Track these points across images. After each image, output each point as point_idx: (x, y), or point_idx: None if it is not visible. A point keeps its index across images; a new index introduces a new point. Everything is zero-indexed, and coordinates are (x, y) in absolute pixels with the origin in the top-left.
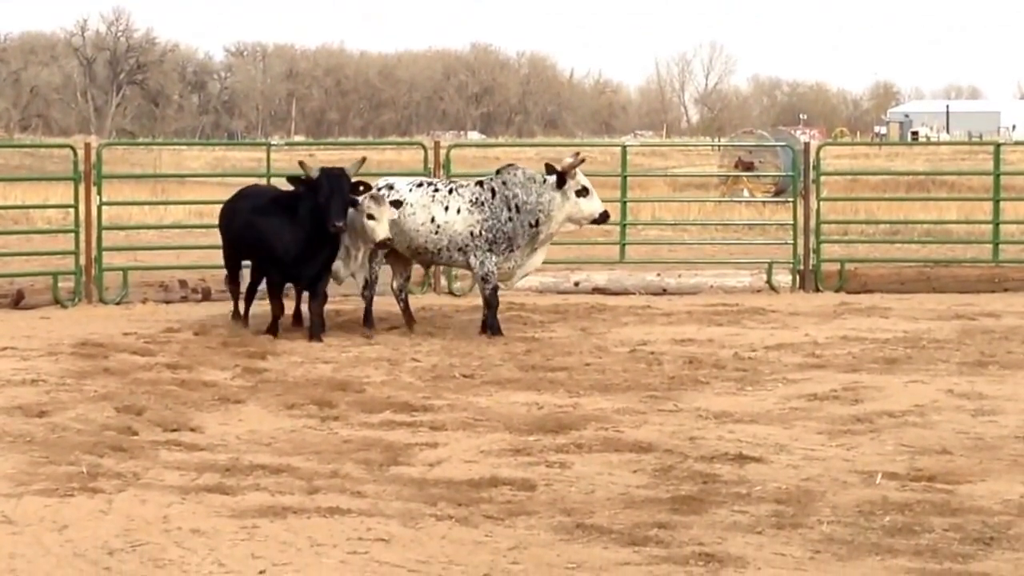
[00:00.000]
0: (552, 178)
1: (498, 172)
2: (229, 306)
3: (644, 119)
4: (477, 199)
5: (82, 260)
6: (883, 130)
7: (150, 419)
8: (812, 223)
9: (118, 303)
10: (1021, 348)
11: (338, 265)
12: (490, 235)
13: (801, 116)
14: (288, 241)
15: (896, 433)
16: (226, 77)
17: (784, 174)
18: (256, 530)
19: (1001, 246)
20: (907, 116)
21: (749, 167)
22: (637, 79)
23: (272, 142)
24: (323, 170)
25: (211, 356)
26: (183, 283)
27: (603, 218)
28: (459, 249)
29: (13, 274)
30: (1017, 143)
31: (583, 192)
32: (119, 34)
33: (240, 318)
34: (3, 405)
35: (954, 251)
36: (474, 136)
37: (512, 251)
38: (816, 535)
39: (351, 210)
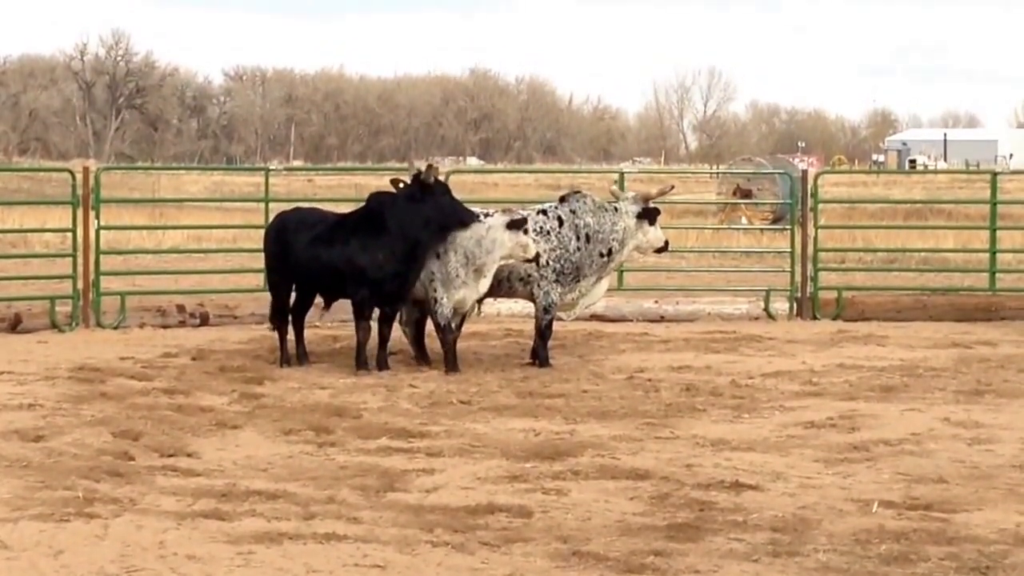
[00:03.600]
0: (623, 205)
1: (563, 199)
2: (228, 332)
3: (643, 146)
4: (542, 228)
5: (80, 284)
6: (881, 158)
7: (147, 444)
8: (809, 251)
9: (115, 328)
10: (1017, 377)
11: (464, 295)
12: (557, 265)
13: (799, 144)
14: (383, 259)
15: (892, 461)
16: (225, 101)
17: (782, 202)
18: (252, 556)
19: (998, 275)
20: (905, 144)
21: (747, 195)
22: (636, 105)
23: (271, 167)
24: (437, 179)
25: (208, 381)
26: (181, 308)
27: (665, 246)
28: (520, 279)
29: (11, 298)
30: (1014, 172)
31: (653, 221)
32: (118, 58)
33: (292, 359)
34: (0, 429)
35: (951, 279)
36: (473, 162)
37: (578, 281)
38: (812, 563)
39: (483, 229)
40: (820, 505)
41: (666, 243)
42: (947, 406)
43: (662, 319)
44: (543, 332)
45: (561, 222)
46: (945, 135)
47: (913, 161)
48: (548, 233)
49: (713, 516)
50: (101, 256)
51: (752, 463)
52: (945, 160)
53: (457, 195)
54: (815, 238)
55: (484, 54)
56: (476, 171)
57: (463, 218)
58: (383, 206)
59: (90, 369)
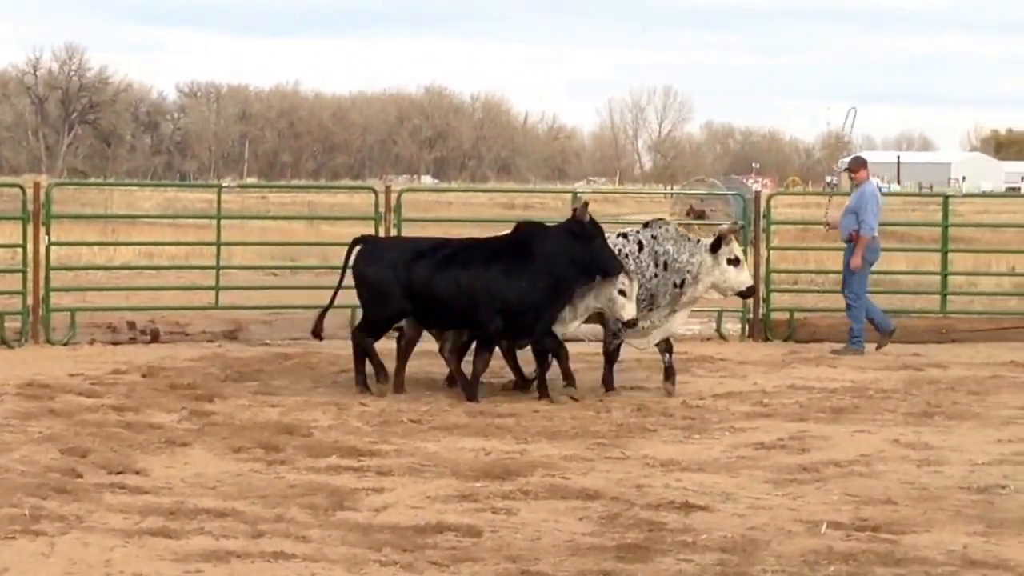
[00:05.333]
0: (704, 240)
1: (646, 225)
2: (179, 349)
3: (597, 165)
4: (621, 251)
5: (29, 300)
6: (835, 180)
7: (95, 461)
8: (762, 272)
9: (65, 344)
10: (967, 399)
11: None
12: None
13: (754, 165)
14: (525, 290)
15: (842, 482)
16: (179, 117)
17: (735, 222)
18: (200, 574)
19: (948, 297)
20: None
21: (700, 215)
22: (591, 125)
23: (223, 184)
24: (592, 219)
25: (158, 398)
26: (131, 324)
27: (749, 292)
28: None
29: None
30: (966, 195)
31: (734, 262)
32: (72, 73)
33: (392, 383)
34: None
35: (903, 301)
36: (427, 180)
37: (651, 309)
38: None
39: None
40: (769, 526)
41: (751, 288)
42: (897, 428)
43: None
44: (610, 356)
45: (641, 247)
46: (899, 158)
47: None
48: (627, 257)
49: (662, 537)
50: (51, 272)
51: (702, 484)
52: (898, 182)
53: (410, 214)
54: (767, 259)
55: (440, 72)
56: (430, 190)
57: (608, 267)
58: (532, 237)
59: (39, 385)
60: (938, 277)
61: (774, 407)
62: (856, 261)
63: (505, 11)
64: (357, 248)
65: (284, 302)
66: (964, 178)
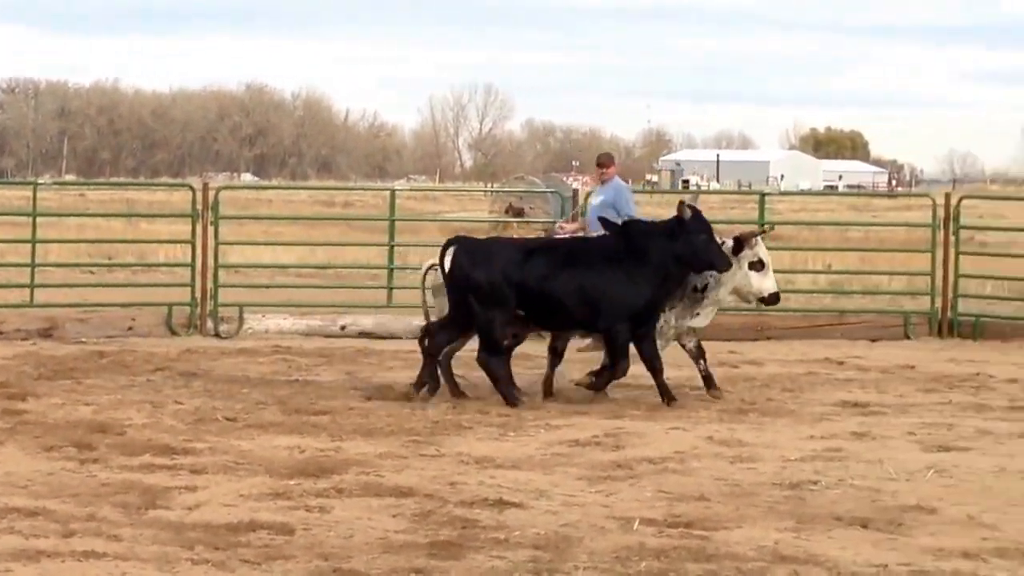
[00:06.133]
0: (729, 242)
1: None
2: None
3: (419, 163)
4: None
5: None
6: (655, 178)
7: None
8: None
9: None
10: (781, 396)
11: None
12: None
13: (574, 162)
14: (644, 290)
15: (655, 479)
16: None
17: (552, 221)
18: (9, 574)
19: None
20: (678, 164)
21: (519, 213)
22: (412, 123)
23: (40, 181)
24: (698, 214)
25: None
26: None
27: (773, 299)
28: None
29: None
30: (783, 193)
31: (757, 266)
32: None
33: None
34: None
35: None
36: (247, 178)
37: (668, 311)
38: None
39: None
40: (582, 523)
41: (775, 295)
42: (711, 425)
43: None
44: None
45: None
46: (718, 156)
47: (686, 181)
48: None
49: (476, 534)
50: None
51: (516, 481)
52: (718, 180)
53: (228, 211)
54: None
55: (261, 70)
56: (249, 187)
57: (717, 262)
58: (643, 236)
59: None
60: None
61: (590, 404)
62: None
63: (326, 9)
64: (452, 250)
65: (100, 300)
66: (783, 176)
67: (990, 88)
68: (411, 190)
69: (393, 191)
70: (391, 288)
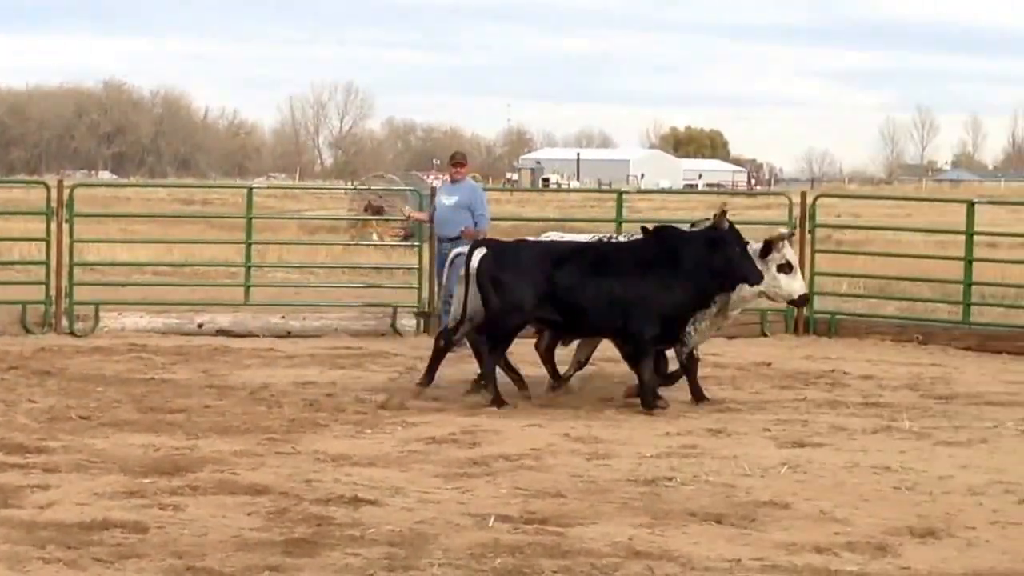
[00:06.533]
0: (757, 246)
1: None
2: None
3: (279, 161)
4: None
5: None
6: (515, 176)
7: None
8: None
9: None
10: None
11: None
12: None
13: (434, 161)
14: (678, 297)
15: (511, 476)
16: None
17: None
18: None
19: None
20: (539, 163)
21: (379, 211)
22: (272, 121)
23: None
24: (732, 226)
25: None
26: None
27: (801, 301)
28: None
29: None
30: (639, 191)
31: (786, 268)
32: None
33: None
34: None
35: None
36: (105, 176)
37: (700, 320)
38: None
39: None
40: (438, 520)
41: (804, 296)
42: (568, 422)
43: (289, 335)
44: (688, 367)
45: None
46: (578, 155)
47: (547, 180)
48: None
49: (331, 531)
50: None
51: (372, 478)
52: (578, 179)
53: (85, 209)
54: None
55: (119, 67)
56: (106, 184)
57: (750, 276)
58: (678, 242)
59: None
60: None
61: (447, 401)
62: None
63: (185, 6)
64: (480, 253)
65: None
66: (643, 175)
67: (848, 89)
68: (270, 188)
69: (251, 189)
70: (248, 286)
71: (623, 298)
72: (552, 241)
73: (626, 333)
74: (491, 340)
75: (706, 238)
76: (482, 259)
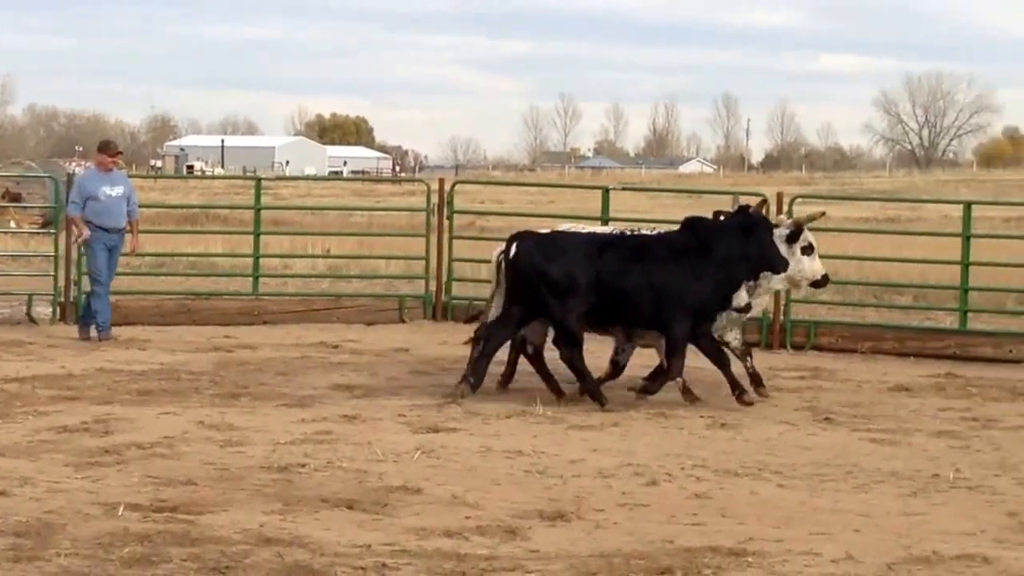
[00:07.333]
0: (781, 230)
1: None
2: None
3: None
4: None
5: None
6: (159, 163)
7: None
8: (74, 256)
9: None
10: (274, 380)
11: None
12: None
13: (77, 148)
14: (708, 287)
15: (143, 464)
16: None
17: (49, 206)
18: None
19: (261, 279)
20: (183, 150)
21: (17, 198)
22: None
23: None
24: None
25: None
26: None
27: (824, 281)
28: None
29: None
30: (279, 178)
31: (808, 250)
32: None
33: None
34: None
35: (218, 284)
36: None
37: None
38: (53, 568)
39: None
40: (66, 509)
41: (825, 276)
42: (203, 409)
43: None
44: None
45: None
46: (223, 141)
47: (191, 166)
48: None
49: None
50: None
51: (1, 469)
52: (223, 166)
53: None
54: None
55: None
56: None
57: (776, 264)
58: (708, 232)
59: None
60: (251, 259)
61: (81, 390)
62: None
63: None
64: (516, 244)
65: None
66: (288, 162)
67: (492, 77)
68: None
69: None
70: None
71: (661, 289)
72: (582, 231)
73: (660, 323)
74: (568, 343)
75: (742, 225)
76: (518, 251)
